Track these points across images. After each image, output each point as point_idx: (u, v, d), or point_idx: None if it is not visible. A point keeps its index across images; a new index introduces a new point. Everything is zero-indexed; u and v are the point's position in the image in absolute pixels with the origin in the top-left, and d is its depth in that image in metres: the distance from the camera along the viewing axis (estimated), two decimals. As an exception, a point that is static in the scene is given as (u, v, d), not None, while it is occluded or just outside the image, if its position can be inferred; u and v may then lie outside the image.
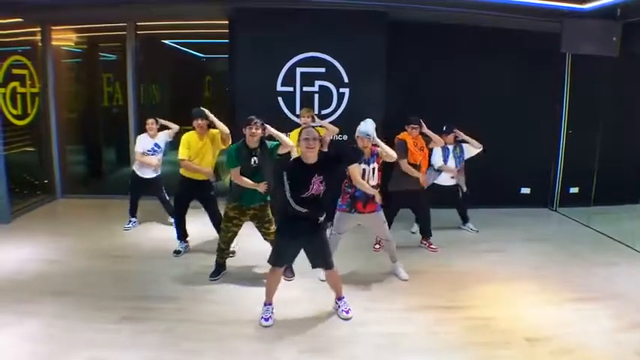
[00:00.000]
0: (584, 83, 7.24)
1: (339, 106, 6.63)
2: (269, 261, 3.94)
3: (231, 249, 4.94)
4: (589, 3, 6.22)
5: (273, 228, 4.57)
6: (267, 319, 3.83)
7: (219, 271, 4.79)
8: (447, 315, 4.07)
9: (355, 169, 4.42)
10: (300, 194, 3.65)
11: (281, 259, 3.94)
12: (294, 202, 3.66)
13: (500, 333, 3.79)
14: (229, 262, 4.95)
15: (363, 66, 6.54)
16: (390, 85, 6.67)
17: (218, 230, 5.03)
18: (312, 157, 3.69)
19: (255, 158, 4.48)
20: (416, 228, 6.21)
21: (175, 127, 6.30)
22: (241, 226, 4.69)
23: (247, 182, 4.46)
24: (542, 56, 7.13)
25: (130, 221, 6.34)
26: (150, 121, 6.18)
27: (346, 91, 6.60)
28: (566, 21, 6.34)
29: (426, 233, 5.80)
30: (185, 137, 5.24)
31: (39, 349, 3.40)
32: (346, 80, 6.58)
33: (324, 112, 6.62)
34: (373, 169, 4.57)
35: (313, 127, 4.11)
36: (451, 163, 6.08)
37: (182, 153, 5.17)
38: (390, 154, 4.52)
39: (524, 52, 7.14)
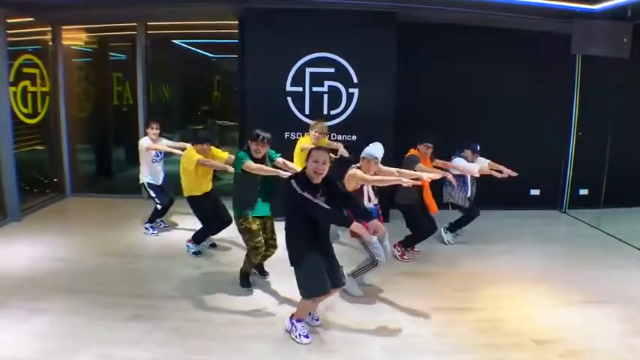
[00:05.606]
0: (595, 85, 7.19)
1: (348, 107, 6.63)
2: (306, 296, 3.56)
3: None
4: (600, 4, 6.17)
5: (276, 238, 4.47)
6: (307, 336, 3.62)
7: (248, 279, 4.58)
8: (456, 317, 4.05)
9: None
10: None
11: (323, 283, 3.51)
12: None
13: (508, 335, 3.78)
14: (238, 261, 4.96)
15: (372, 66, 6.52)
16: (400, 86, 6.66)
17: (222, 223, 5.29)
18: (318, 180, 3.50)
19: None
20: None
21: (178, 152, 5.66)
22: None
23: (267, 169, 4.19)
24: (552, 57, 7.08)
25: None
26: (155, 125, 5.88)
27: (355, 91, 6.60)
28: (577, 22, 6.31)
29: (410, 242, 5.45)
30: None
31: (49, 345, 3.43)
32: (355, 81, 6.58)
33: (333, 112, 6.64)
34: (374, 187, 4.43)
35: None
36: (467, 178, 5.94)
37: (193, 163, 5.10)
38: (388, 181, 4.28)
39: (534, 53, 7.11)
